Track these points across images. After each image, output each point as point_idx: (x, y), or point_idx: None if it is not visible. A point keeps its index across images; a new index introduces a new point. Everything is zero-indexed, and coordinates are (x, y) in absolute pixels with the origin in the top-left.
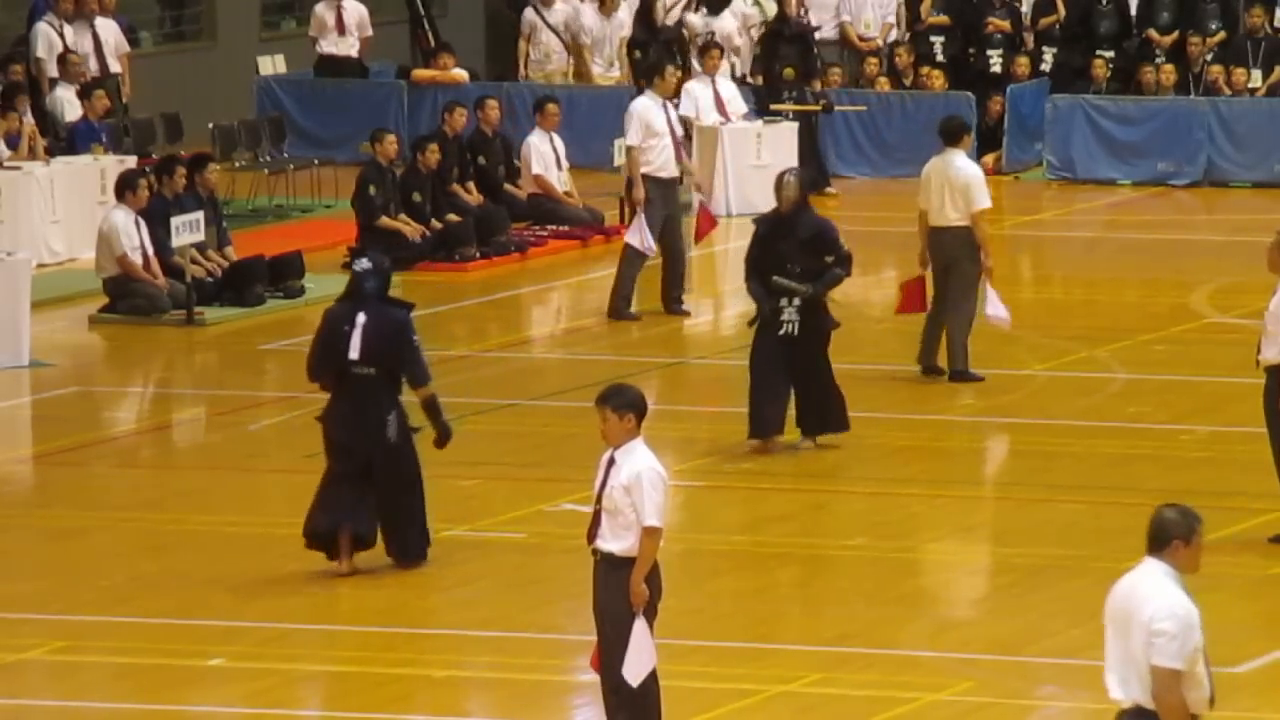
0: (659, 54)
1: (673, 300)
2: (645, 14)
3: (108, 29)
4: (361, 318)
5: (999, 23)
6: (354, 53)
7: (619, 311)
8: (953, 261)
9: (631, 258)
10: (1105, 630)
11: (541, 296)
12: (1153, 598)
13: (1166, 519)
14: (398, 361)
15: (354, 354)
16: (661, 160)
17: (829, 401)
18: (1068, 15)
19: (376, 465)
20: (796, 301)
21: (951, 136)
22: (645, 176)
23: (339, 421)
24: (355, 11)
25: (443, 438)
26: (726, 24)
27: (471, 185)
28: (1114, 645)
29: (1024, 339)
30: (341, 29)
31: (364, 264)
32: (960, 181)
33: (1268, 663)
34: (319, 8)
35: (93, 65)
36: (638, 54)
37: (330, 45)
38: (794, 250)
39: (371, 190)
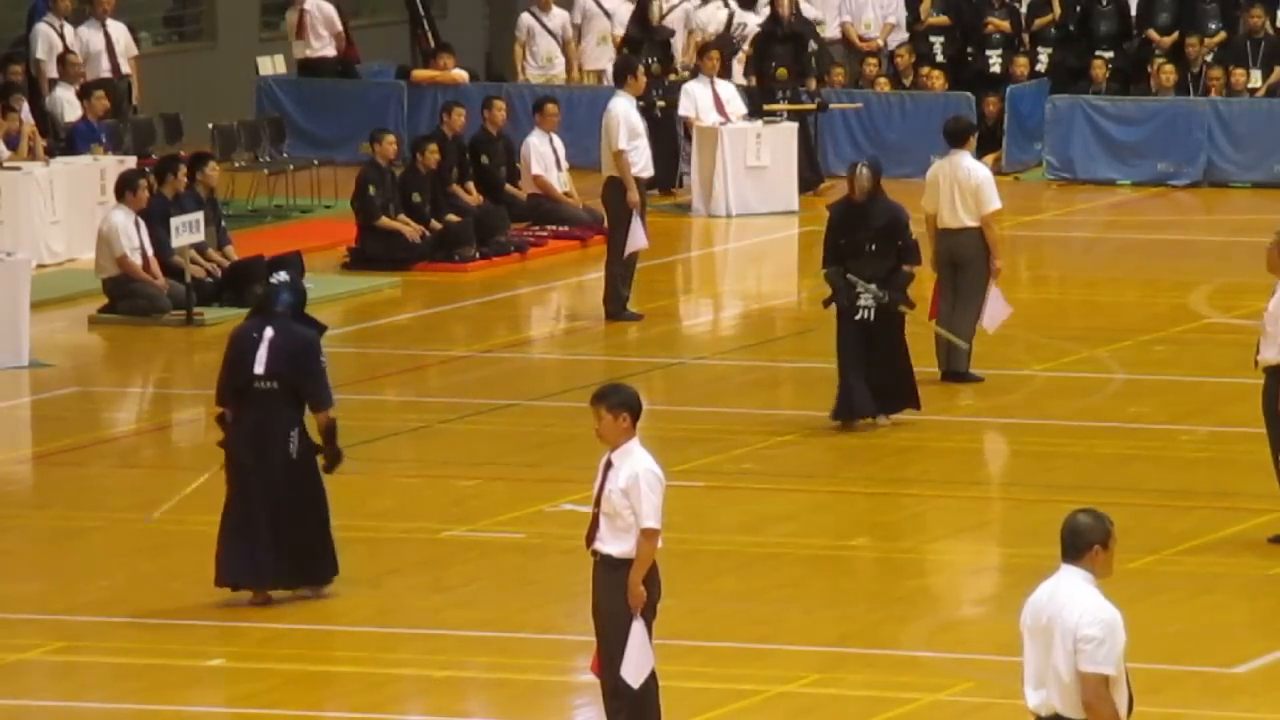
0: (629, 54)
1: (622, 305)
2: (640, 13)
3: (119, 30)
4: (269, 332)
5: (999, 23)
6: (330, 52)
7: (619, 313)
8: (964, 263)
9: (625, 259)
10: (1022, 641)
11: (541, 296)
12: (1075, 604)
13: (1083, 525)
14: (301, 380)
15: (258, 368)
16: (643, 161)
17: (905, 381)
18: (1064, 15)
19: (278, 482)
20: (872, 288)
21: (957, 138)
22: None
23: (241, 438)
24: (320, 12)
25: (333, 463)
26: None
27: (471, 185)
28: (1032, 655)
29: (1024, 339)
30: (302, 33)
31: (280, 277)
32: (971, 183)
33: (1267, 663)
34: (287, 14)
35: (104, 65)
36: (626, 53)
37: (304, 49)
38: (870, 236)
39: (371, 190)
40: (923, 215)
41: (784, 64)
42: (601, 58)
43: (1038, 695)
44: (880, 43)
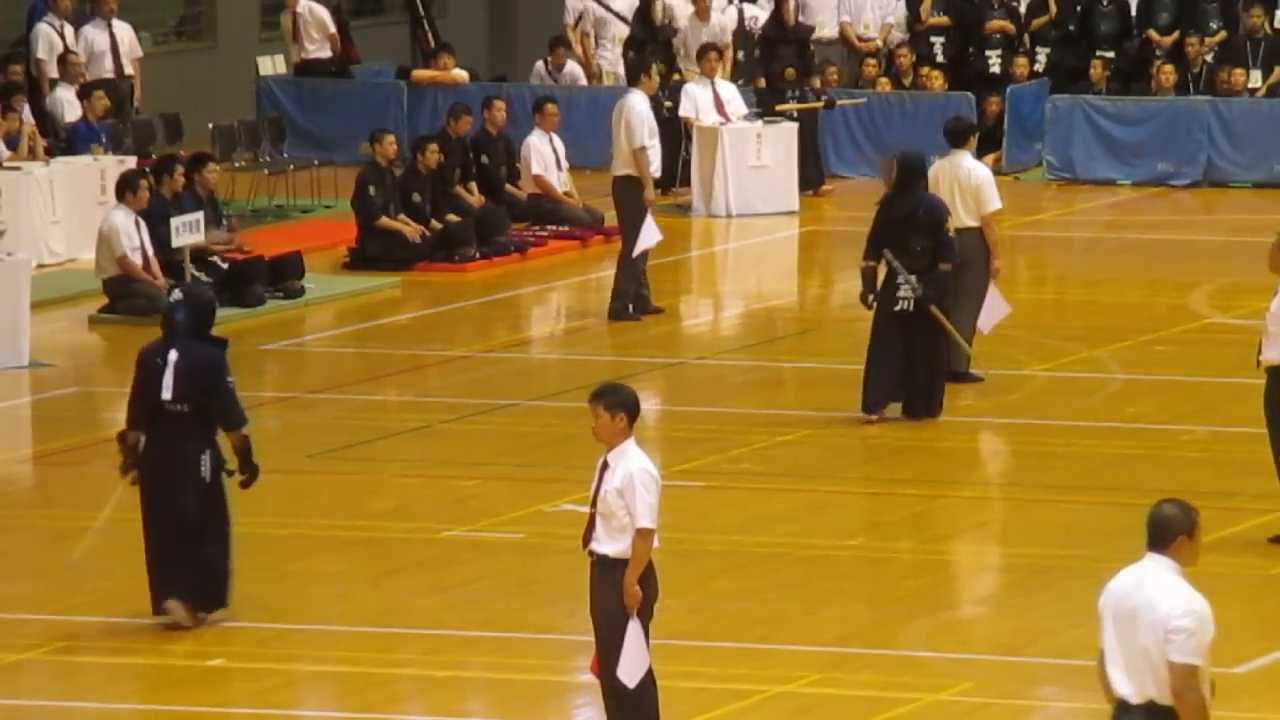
0: (644, 53)
1: (648, 300)
2: (644, 13)
3: (124, 31)
4: (173, 355)
5: (1001, 24)
6: (325, 54)
7: (622, 313)
8: (965, 263)
9: (637, 259)
10: (1103, 626)
11: (541, 296)
12: (1166, 595)
13: (1169, 515)
14: (209, 402)
15: (166, 393)
16: (657, 161)
17: (934, 384)
18: (1063, 15)
19: (188, 508)
20: (913, 279)
21: (958, 137)
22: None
23: (152, 463)
24: (312, 14)
25: (250, 480)
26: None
27: (474, 186)
28: (1117, 641)
29: (1024, 339)
30: (297, 36)
31: (176, 295)
32: (972, 183)
33: (1268, 663)
34: (282, 17)
35: (108, 65)
36: (632, 54)
37: (300, 51)
38: (913, 230)
39: (371, 190)
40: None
41: (789, 64)
42: (619, 61)
43: (1128, 683)
44: (879, 43)
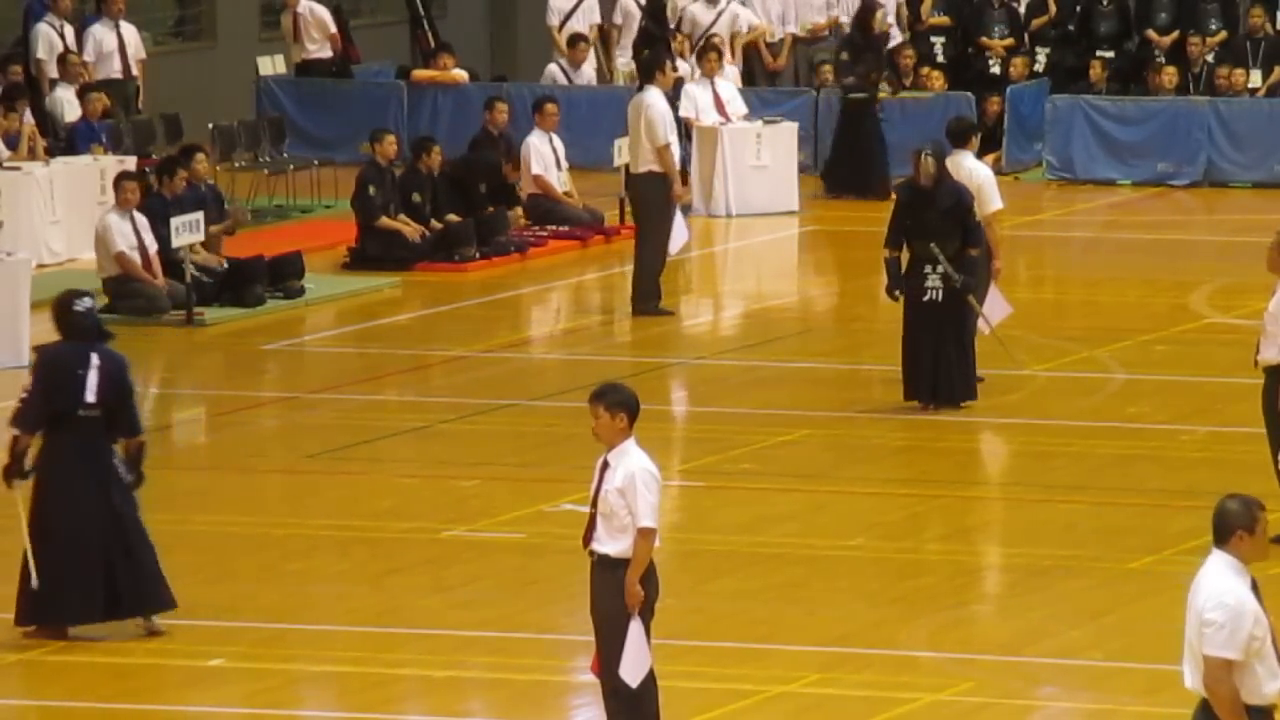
0: (657, 50)
1: (655, 298)
2: (656, 9)
3: (130, 32)
4: (95, 359)
5: (996, 44)
6: (326, 54)
7: (649, 309)
8: None
9: (658, 257)
10: None
11: (541, 296)
12: (1205, 587)
13: (1229, 510)
14: (123, 405)
15: (90, 396)
16: (677, 156)
17: (956, 373)
18: (1061, 16)
19: (107, 511)
20: (940, 269)
21: (960, 138)
22: (649, 173)
23: (65, 470)
24: (313, 14)
25: (137, 485)
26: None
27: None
28: (1185, 636)
29: (1024, 339)
30: (297, 36)
31: (87, 303)
32: (974, 183)
33: None
34: (282, 17)
35: (115, 66)
36: (645, 51)
37: (300, 51)
38: (938, 219)
39: (371, 190)
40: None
41: (873, 69)
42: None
43: (1189, 676)
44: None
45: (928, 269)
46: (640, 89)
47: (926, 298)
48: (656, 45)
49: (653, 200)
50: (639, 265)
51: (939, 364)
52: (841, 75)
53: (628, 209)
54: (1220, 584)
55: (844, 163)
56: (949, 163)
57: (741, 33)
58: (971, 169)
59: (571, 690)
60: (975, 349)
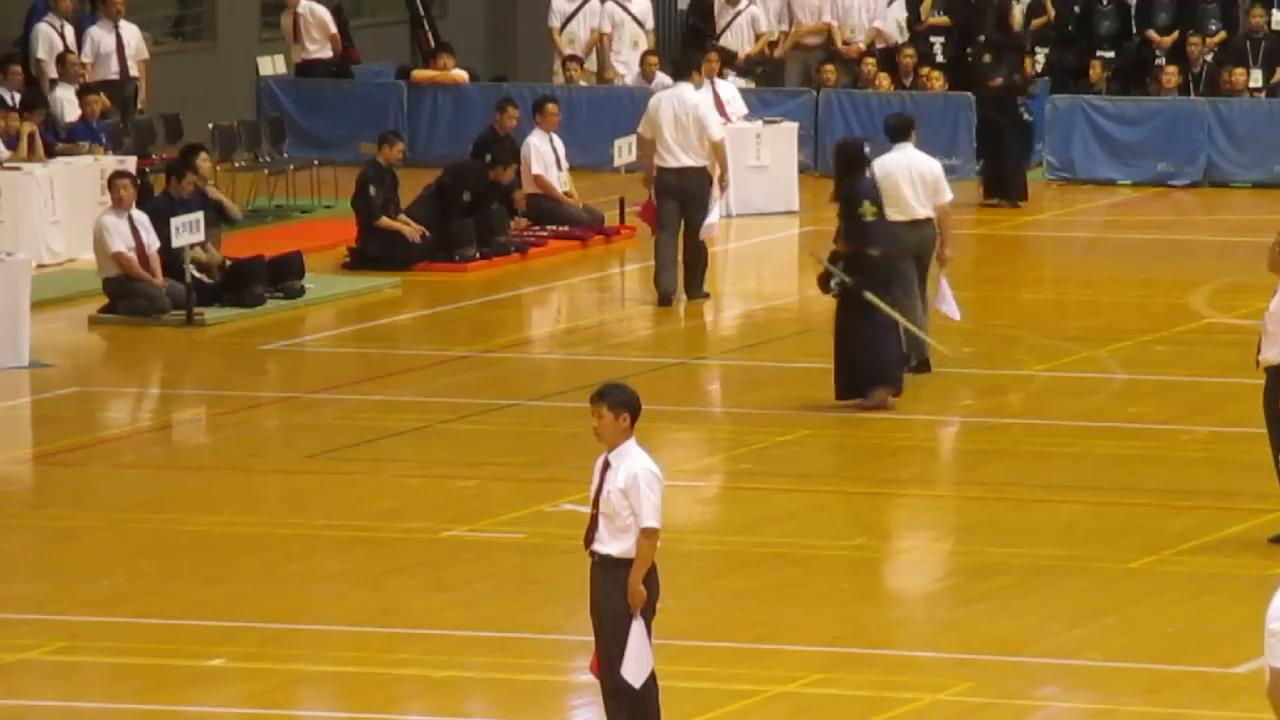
0: (697, 47)
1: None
2: (703, 10)
3: (130, 32)
4: None
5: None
6: (326, 54)
7: (698, 293)
8: (922, 253)
9: (666, 247)
10: None
11: (541, 296)
12: (1277, 598)
13: None
14: None
15: None
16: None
17: (857, 367)
18: (1060, 16)
19: None
20: (839, 270)
21: (902, 132)
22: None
23: None
24: (313, 15)
25: None
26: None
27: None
28: None
29: (1024, 339)
30: (297, 36)
31: None
32: (931, 175)
33: None
34: (282, 17)
35: (114, 66)
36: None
37: (300, 51)
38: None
39: (372, 190)
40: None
41: (1015, 69)
42: (632, 62)
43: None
44: (863, 47)
45: (829, 269)
46: (676, 84)
47: (833, 294)
48: (694, 44)
49: (699, 194)
50: (691, 253)
51: (839, 359)
52: (984, 77)
53: (628, 209)
54: None
55: (991, 168)
56: (900, 156)
57: (764, 33)
58: (928, 161)
59: (571, 690)
60: (895, 340)
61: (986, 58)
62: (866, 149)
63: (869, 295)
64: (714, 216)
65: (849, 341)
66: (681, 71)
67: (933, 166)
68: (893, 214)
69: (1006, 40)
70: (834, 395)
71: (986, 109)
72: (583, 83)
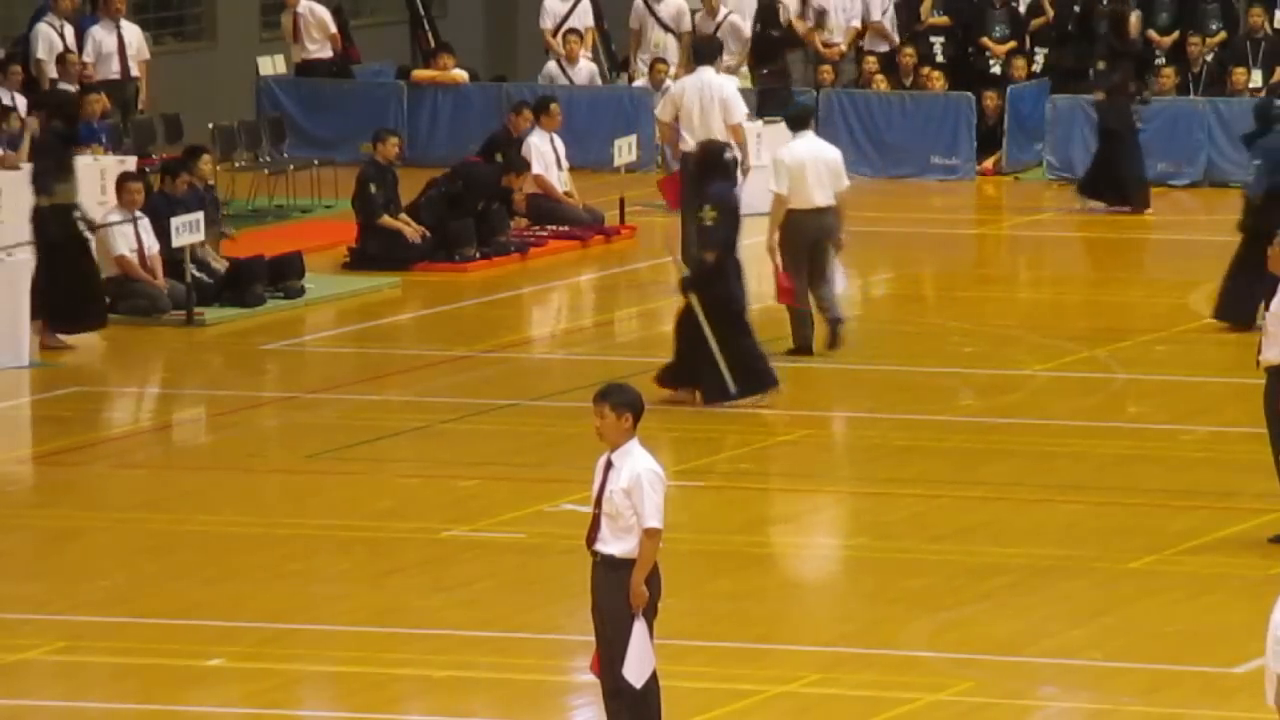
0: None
1: None
2: (769, 15)
3: (131, 32)
4: None
5: (997, 47)
6: (326, 54)
7: None
8: (823, 240)
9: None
10: None
11: (541, 296)
12: (1277, 605)
13: None
14: None
15: None
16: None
17: (681, 361)
18: (1059, 16)
19: None
20: (684, 268)
21: (803, 122)
22: None
23: None
24: (313, 15)
25: None
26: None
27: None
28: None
29: (1024, 339)
30: (297, 36)
31: None
32: (835, 164)
33: None
34: (282, 17)
35: (114, 67)
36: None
37: (300, 51)
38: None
39: (373, 189)
40: (774, 200)
41: (1130, 76)
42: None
43: (1270, 693)
44: (844, 48)
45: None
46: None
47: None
48: (775, 44)
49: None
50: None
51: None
52: (1099, 83)
53: (628, 209)
54: None
55: (1104, 170)
56: (807, 144)
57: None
58: (831, 150)
59: (571, 690)
60: (739, 344)
61: (1102, 64)
62: (727, 155)
63: (693, 299)
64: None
65: (685, 337)
66: (704, 57)
67: (836, 155)
68: (796, 202)
69: (1123, 47)
70: (656, 380)
71: (1103, 116)
72: (583, 57)
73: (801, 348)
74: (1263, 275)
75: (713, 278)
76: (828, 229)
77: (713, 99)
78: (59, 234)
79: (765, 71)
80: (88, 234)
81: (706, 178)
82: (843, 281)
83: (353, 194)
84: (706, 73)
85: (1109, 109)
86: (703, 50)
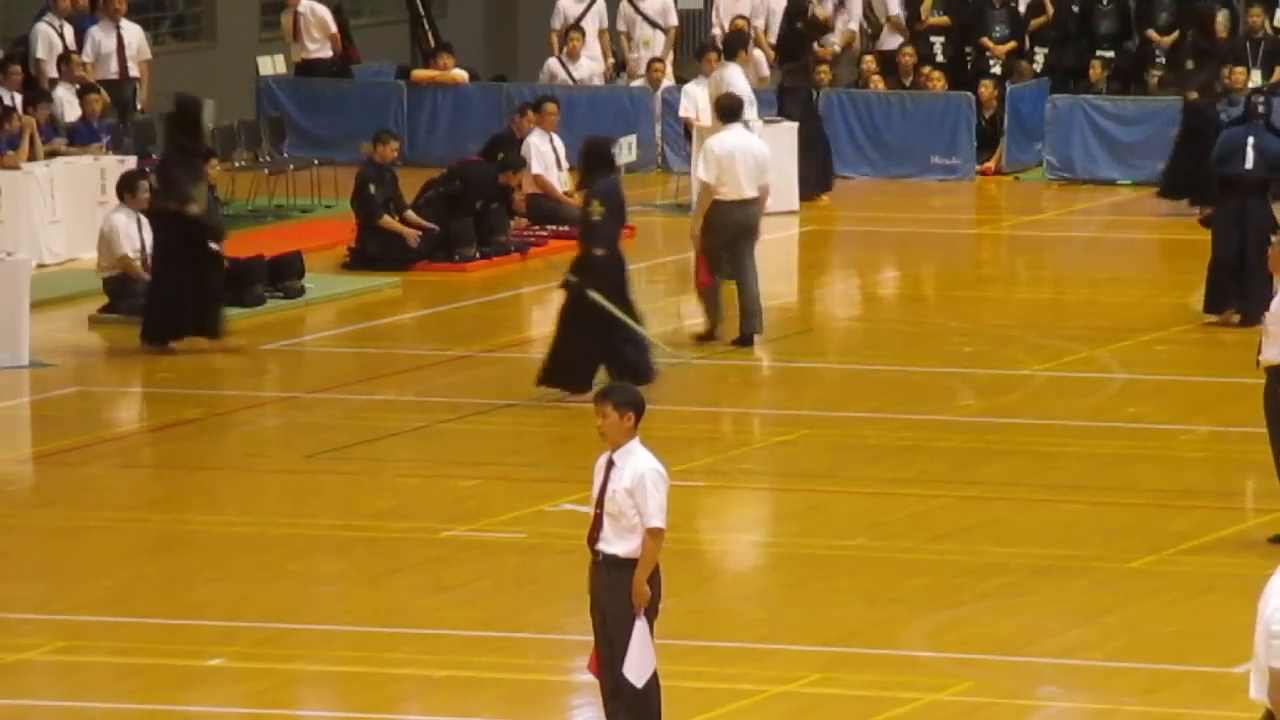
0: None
1: None
2: (796, 11)
3: (132, 32)
4: None
5: (997, 47)
6: (326, 54)
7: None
8: (749, 231)
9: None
10: None
11: (541, 296)
12: (1273, 597)
13: None
14: None
15: None
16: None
17: (564, 359)
18: (1060, 16)
19: None
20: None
21: (734, 113)
22: None
23: None
24: (313, 14)
25: None
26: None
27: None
28: (1256, 649)
29: (1024, 339)
30: (297, 35)
31: None
32: (762, 157)
33: None
34: (282, 16)
35: (114, 66)
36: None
37: (300, 51)
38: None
39: (372, 189)
40: (701, 188)
41: (1215, 75)
42: (641, 64)
43: (1254, 686)
44: (837, 48)
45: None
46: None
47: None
48: (801, 39)
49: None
50: None
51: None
52: (1188, 83)
53: (628, 209)
54: None
55: (1184, 170)
56: (738, 135)
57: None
58: (760, 144)
59: (571, 690)
60: (616, 339)
61: (1189, 64)
62: (614, 149)
63: (592, 294)
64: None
65: (564, 333)
66: (728, 51)
67: (764, 148)
68: (725, 193)
69: (1210, 46)
70: (535, 379)
71: (1189, 116)
72: (587, 57)
73: (711, 334)
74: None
75: (601, 271)
76: (753, 220)
77: (716, 93)
78: (180, 243)
79: (787, 68)
80: (214, 245)
81: (591, 172)
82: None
83: (352, 194)
84: (729, 69)
85: (1196, 109)
86: (725, 43)
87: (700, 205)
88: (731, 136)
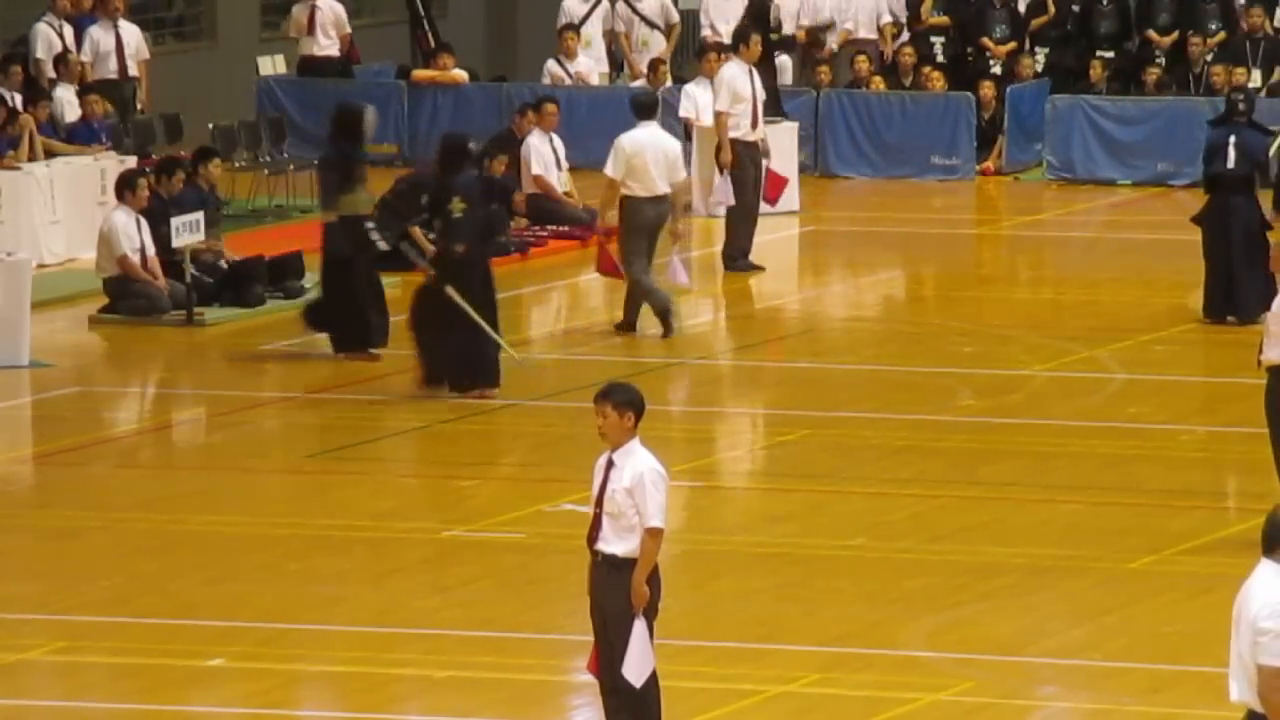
0: (754, 21)
1: (740, 255)
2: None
3: (130, 32)
4: None
5: (997, 47)
6: (334, 52)
7: (735, 264)
8: (659, 226)
9: (735, 215)
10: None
11: (541, 296)
12: (1257, 596)
13: (1277, 518)
14: None
15: None
16: (746, 124)
17: (437, 357)
18: (1060, 16)
19: None
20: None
21: (649, 110)
22: (732, 140)
23: None
24: (331, 11)
25: None
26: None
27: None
28: (1231, 647)
29: (1024, 339)
30: (313, 29)
31: None
32: (673, 154)
33: None
34: (294, 9)
35: (112, 66)
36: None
37: (309, 47)
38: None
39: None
40: (606, 183)
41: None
42: (640, 63)
43: (1235, 687)
44: (834, 48)
45: (423, 263)
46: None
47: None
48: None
49: (745, 166)
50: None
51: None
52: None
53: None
54: (1275, 593)
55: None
56: (650, 133)
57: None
58: (673, 140)
59: (571, 690)
60: (471, 338)
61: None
62: (471, 145)
63: (450, 291)
64: (722, 187)
65: (424, 332)
66: (731, 45)
67: (675, 145)
68: (636, 189)
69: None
70: (421, 381)
71: None
72: (587, 56)
73: (628, 324)
74: None
75: (462, 269)
76: (664, 217)
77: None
78: (348, 248)
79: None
80: (381, 244)
81: (448, 170)
82: (685, 274)
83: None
84: (729, 64)
85: None
86: (732, 37)
87: (604, 200)
88: (643, 133)
